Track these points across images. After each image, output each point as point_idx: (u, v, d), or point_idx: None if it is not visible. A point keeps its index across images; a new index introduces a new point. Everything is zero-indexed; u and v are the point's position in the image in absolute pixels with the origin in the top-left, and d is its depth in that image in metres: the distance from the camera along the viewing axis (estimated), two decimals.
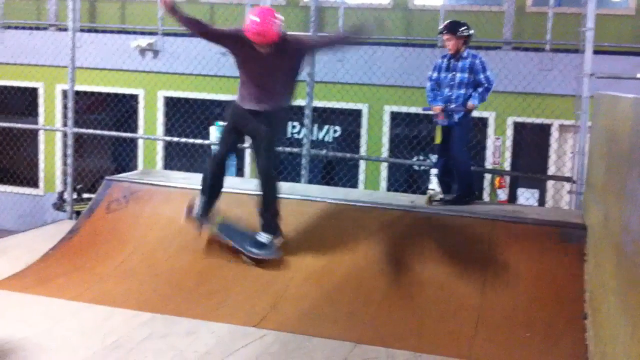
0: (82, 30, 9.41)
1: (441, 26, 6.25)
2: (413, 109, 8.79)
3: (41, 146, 11.24)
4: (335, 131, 10.08)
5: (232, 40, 5.17)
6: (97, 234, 6.00)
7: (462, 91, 6.00)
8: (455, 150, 6.05)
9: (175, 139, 9.07)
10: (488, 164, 9.10)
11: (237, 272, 5.20)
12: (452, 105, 6.00)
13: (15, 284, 5.20)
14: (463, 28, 6.04)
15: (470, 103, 5.98)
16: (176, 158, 10.41)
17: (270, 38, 4.90)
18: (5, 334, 4.24)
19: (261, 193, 5.28)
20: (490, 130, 9.13)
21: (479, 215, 5.68)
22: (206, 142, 8.81)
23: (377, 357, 4.13)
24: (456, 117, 6.02)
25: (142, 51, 10.29)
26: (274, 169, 5.45)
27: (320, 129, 10.00)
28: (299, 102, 8.25)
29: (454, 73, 6.05)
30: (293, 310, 4.72)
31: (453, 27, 6.05)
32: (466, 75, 5.99)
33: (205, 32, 5.30)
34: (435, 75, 6.17)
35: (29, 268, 5.56)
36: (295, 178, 7.92)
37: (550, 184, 8.87)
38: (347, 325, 4.54)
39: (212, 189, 5.39)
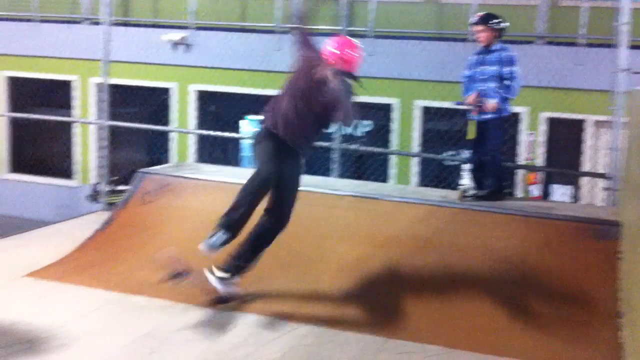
0: (115, 24, 9.50)
1: (473, 17, 6.19)
2: (444, 104, 8.73)
3: (76, 138, 11.40)
4: (365, 125, 10.06)
5: (310, 58, 4.75)
6: (131, 225, 6.09)
7: (494, 84, 5.94)
8: (489, 145, 6.01)
9: (207, 132, 9.14)
10: (520, 160, 9.02)
11: (270, 265, 5.23)
12: (485, 100, 5.93)
13: (53, 273, 5.32)
14: (496, 20, 5.99)
15: (489, 102, 5.91)
16: (208, 151, 10.49)
17: (352, 68, 4.74)
18: (44, 321, 4.34)
19: (249, 241, 4.64)
20: (523, 126, 9.04)
21: (511, 212, 5.64)
22: (237, 135, 8.88)
23: (410, 352, 4.14)
24: (489, 113, 5.96)
25: (175, 45, 10.37)
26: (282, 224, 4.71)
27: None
28: None
29: (485, 67, 6.00)
30: (326, 304, 4.75)
31: (486, 19, 6.00)
32: (497, 68, 5.93)
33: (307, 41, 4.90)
34: (467, 72, 6.13)
35: (66, 257, 5.67)
36: (326, 172, 7.93)
37: (584, 180, 8.76)
38: (379, 320, 4.56)
39: (241, 221, 4.61)
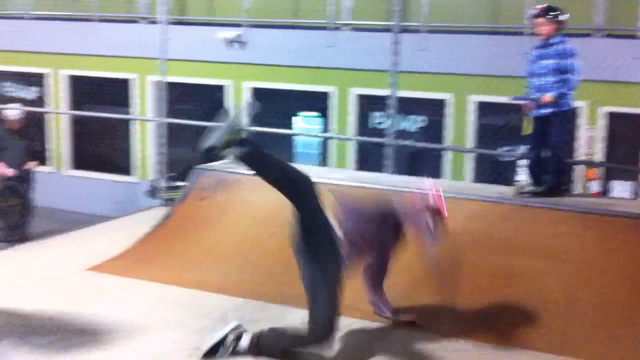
0: (172, 23, 9.69)
1: (534, 9, 6.07)
2: (499, 99, 8.62)
3: (134, 136, 11.68)
4: (419, 121, 10.01)
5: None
6: (189, 220, 6.21)
7: (552, 78, 5.84)
8: (550, 141, 5.91)
9: (261, 128, 9.24)
10: (579, 155, 8.84)
11: None
12: (545, 94, 5.82)
13: (113, 267, 5.48)
14: (557, 12, 5.89)
15: (546, 95, 5.81)
16: (263, 147, 10.59)
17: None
18: (104, 314, 4.47)
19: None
20: (582, 121, 8.85)
21: (569, 208, 5.54)
22: (289, 132, 8.96)
23: (464, 350, 4.13)
24: (549, 107, 5.86)
25: (229, 42, 10.50)
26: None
27: (404, 119, 9.96)
28: (383, 91, 8.27)
29: (543, 60, 5.90)
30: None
31: (547, 11, 5.90)
32: (555, 61, 5.82)
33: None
34: (529, 67, 6.05)
35: (125, 252, 5.83)
36: (380, 168, 7.93)
37: None
38: (433, 317, 4.54)
39: None
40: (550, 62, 5.84)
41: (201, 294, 4.92)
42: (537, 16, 5.95)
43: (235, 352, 3.66)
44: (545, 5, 6.01)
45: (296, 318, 4.33)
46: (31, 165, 9.04)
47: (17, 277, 5.23)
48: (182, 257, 5.58)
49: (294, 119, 10.57)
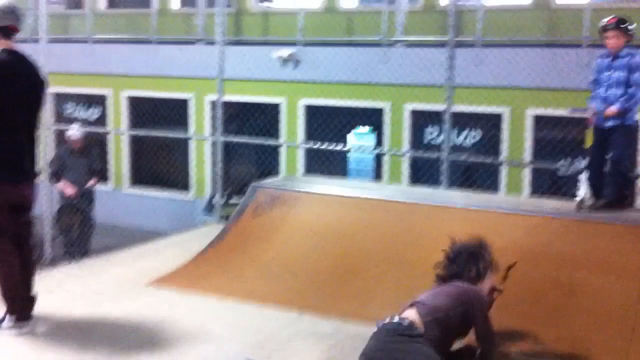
0: (228, 44, 9.90)
1: (605, 21, 5.92)
2: (557, 111, 8.47)
3: (192, 154, 11.92)
4: (474, 136, 9.91)
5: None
6: (245, 236, 6.27)
7: (620, 91, 5.72)
8: (612, 154, 5.78)
9: (316, 146, 9.31)
10: None
11: (378, 275, 5.25)
12: (610, 107, 5.71)
13: (173, 281, 5.57)
14: (628, 24, 5.76)
15: (611, 108, 5.69)
16: (316, 164, 10.66)
17: None
18: (164, 327, 4.56)
19: None
20: None
21: (632, 223, 5.38)
22: (344, 149, 8.98)
23: None
24: (613, 120, 5.73)
25: (284, 61, 10.64)
26: None
27: (459, 133, 9.87)
28: (438, 106, 8.23)
29: (612, 71, 5.77)
30: None
31: (619, 23, 5.77)
32: (624, 74, 5.69)
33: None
34: (594, 76, 5.94)
35: (184, 267, 5.92)
36: (435, 183, 7.86)
37: None
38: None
39: None
40: (618, 75, 5.71)
41: (255, 308, 4.97)
42: (607, 28, 5.82)
43: None
44: (615, 16, 5.87)
45: (349, 332, 4.33)
46: (92, 183, 9.31)
47: (78, 292, 5.37)
48: (238, 273, 5.64)
49: (348, 136, 10.61)
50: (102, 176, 10.58)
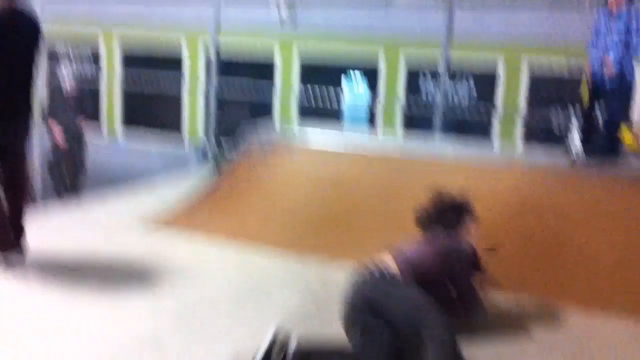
0: None
1: None
2: (554, 66, 8.43)
3: (185, 100, 11.86)
4: (470, 88, 9.86)
5: None
6: (238, 184, 6.29)
7: (619, 50, 5.67)
8: (610, 110, 5.77)
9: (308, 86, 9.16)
10: (636, 124, 8.58)
11: (369, 222, 5.27)
12: (609, 65, 5.68)
13: (163, 222, 5.68)
14: None
15: (609, 66, 5.66)
16: (311, 113, 10.61)
17: None
18: (153, 267, 4.61)
19: None
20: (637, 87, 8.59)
21: (623, 175, 5.41)
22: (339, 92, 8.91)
23: (507, 303, 4.16)
24: (609, 79, 5.71)
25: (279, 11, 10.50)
26: None
27: (455, 85, 9.82)
28: (434, 54, 8.14)
29: (610, 31, 5.71)
30: None
31: None
32: (624, 34, 5.63)
33: None
34: (594, 33, 5.88)
35: (176, 208, 6.03)
36: (428, 128, 7.86)
37: None
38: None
39: None
40: (617, 34, 5.66)
41: (248, 248, 5.08)
42: None
43: None
44: None
45: (338, 275, 4.34)
46: (83, 124, 9.19)
47: (70, 230, 5.43)
48: (231, 216, 5.70)
49: (343, 83, 10.55)
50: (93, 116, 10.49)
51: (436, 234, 3.78)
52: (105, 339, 3.44)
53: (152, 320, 3.72)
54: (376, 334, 3.15)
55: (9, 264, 4.37)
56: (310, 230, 5.38)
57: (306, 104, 10.79)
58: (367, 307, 3.26)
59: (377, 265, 3.46)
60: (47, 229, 5.39)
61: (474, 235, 3.89)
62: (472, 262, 3.84)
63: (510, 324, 3.91)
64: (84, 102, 9.36)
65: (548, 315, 4.09)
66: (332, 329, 3.38)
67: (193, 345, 3.43)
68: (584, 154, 5.88)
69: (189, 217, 5.75)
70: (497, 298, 4.23)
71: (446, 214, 3.84)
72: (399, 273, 3.40)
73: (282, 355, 3.06)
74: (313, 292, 4.33)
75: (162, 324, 3.67)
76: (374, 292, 3.32)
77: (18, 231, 4.47)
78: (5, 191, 4.42)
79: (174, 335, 3.53)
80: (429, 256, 3.56)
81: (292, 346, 3.12)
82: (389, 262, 3.47)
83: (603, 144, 5.90)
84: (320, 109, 10.12)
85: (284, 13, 10.51)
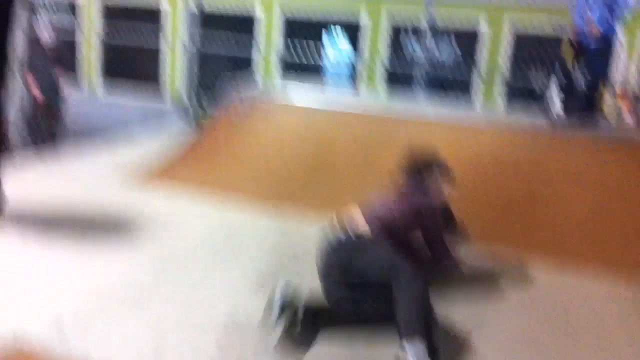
0: None
1: None
2: (536, 28, 8.40)
3: (166, 59, 11.70)
4: (452, 50, 9.82)
5: None
6: (219, 140, 6.27)
7: (601, 10, 5.66)
8: (592, 71, 5.78)
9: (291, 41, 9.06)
10: (616, 84, 8.63)
11: (349, 179, 5.29)
12: (591, 25, 5.67)
13: (144, 175, 5.71)
14: None
15: (593, 27, 5.66)
16: (291, 71, 10.53)
17: None
18: (134, 219, 4.63)
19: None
20: (622, 52, 8.61)
21: (601, 137, 5.46)
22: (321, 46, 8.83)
23: (482, 258, 4.24)
24: (593, 40, 5.71)
25: None
26: None
27: (438, 46, 9.77)
28: (417, 11, 8.08)
29: None
30: None
31: None
32: None
33: None
34: None
35: (157, 162, 6.04)
36: (410, 88, 7.84)
37: None
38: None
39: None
40: None
41: (226, 199, 5.16)
42: None
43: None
44: None
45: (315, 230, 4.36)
46: (61, 76, 9.05)
47: (49, 182, 5.41)
48: (211, 173, 5.71)
49: (325, 39, 10.46)
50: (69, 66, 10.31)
51: (407, 188, 3.79)
52: (84, 290, 3.45)
53: (130, 272, 3.74)
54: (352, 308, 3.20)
55: None
56: (289, 184, 5.42)
57: (288, 59, 10.69)
58: (341, 276, 3.28)
59: (345, 225, 3.45)
60: (24, 181, 5.36)
61: (447, 192, 3.93)
62: (446, 219, 3.89)
63: (485, 283, 3.98)
64: (62, 54, 9.19)
65: (522, 274, 4.16)
66: (312, 282, 3.42)
67: (171, 296, 3.46)
68: (563, 112, 5.91)
69: (168, 171, 5.77)
70: (472, 255, 4.32)
71: (417, 169, 3.85)
72: (369, 230, 3.41)
73: (293, 312, 3.08)
74: (291, 246, 4.36)
75: (141, 275, 3.69)
76: (344, 260, 3.31)
77: None
78: None
79: (152, 287, 3.56)
80: (397, 210, 3.57)
81: (301, 304, 3.13)
82: (358, 219, 3.48)
83: (582, 103, 5.93)
84: (302, 64, 10.03)
85: None
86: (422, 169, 3.84)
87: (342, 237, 3.39)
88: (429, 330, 2.93)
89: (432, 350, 2.84)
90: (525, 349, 3.20)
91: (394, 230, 3.48)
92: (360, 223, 3.45)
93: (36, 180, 5.47)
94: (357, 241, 3.35)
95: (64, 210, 4.73)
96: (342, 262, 3.30)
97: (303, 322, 3.09)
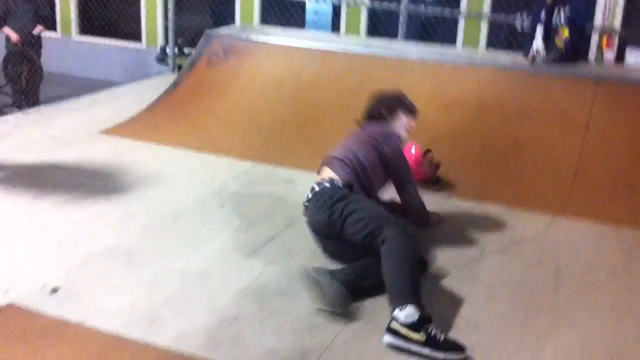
0: None
1: None
2: None
3: (143, 1, 11.46)
4: None
5: None
6: (199, 86, 6.20)
7: None
8: (573, 8, 5.73)
9: None
10: (598, 22, 8.58)
11: (333, 125, 5.27)
12: None
13: (125, 130, 5.57)
14: None
15: None
16: (273, 14, 10.35)
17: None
18: (115, 175, 4.59)
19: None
20: None
21: (583, 76, 5.47)
22: None
23: (469, 209, 4.26)
24: None
25: None
26: None
27: None
28: None
29: None
30: None
31: None
32: None
33: None
34: None
35: (137, 116, 5.90)
36: (393, 35, 7.76)
37: None
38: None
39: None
40: None
41: (212, 157, 5.03)
42: None
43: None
44: None
45: (302, 180, 4.37)
46: (38, 30, 8.91)
47: (31, 138, 5.32)
48: (194, 122, 5.64)
49: None
50: (50, 24, 10.13)
51: (369, 126, 3.80)
52: (73, 247, 3.46)
53: (118, 228, 3.75)
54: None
55: None
56: (269, 131, 5.39)
57: (268, 7, 10.50)
58: (328, 230, 3.31)
59: (321, 184, 3.42)
60: (5, 137, 5.30)
61: (412, 130, 3.92)
62: (416, 159, 4.03)
63: (469, 230, 3.98)
64: (39, 7, 8.99)
65: (507, 220, 4.16)
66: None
67: (164, 248, 3.50)
68: (545, 53, 5.88)
69: (149, 125, 5.65)
70: (455, 202, 4.36)
71: (379, 107, 3.85)
72: (345, 182, 3.39)
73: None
74: (278, 197, 4.37)
75: (129, 233, 3.69)
76: (325, 223, 3.30)
77: None
78: None
79: (141, 243, 3.58)
80: (361, 147, 3.58)
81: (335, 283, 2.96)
82: (335, 168, 3.48)
83: (567, 45, 5.89)
84: (283, 12, 9.86)
85: None
86: (383, 105, 3.84)
87: (320, 190, 3.39)
88: (419, 295, 2.85)
89: (425, 317, 2.73)
90: (509, 292, 3.26)
91: (366, 172, 3.50)
92: (335, 178, 3.43)
93: (18, 136, 5.38)
94: (337, 198, 3.28)
95: (49, 167, 4.68)
96: (323, 218, 3.29)
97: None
